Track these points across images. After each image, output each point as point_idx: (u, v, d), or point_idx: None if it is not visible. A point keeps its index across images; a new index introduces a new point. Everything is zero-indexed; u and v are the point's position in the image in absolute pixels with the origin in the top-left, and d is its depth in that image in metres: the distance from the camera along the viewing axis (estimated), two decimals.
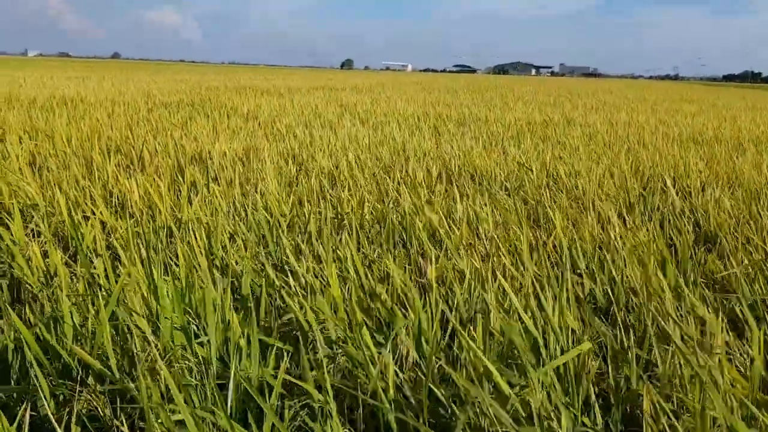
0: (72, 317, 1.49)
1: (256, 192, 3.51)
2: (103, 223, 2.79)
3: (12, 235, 2.22)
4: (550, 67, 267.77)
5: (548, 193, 3.68)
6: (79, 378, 1.49)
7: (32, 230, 2.60)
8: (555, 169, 4.51)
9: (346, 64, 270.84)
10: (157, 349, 1.52)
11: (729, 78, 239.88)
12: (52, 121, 6.52)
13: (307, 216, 2.95)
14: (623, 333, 1.76)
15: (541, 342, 1.61)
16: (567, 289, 1.79)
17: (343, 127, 7.12)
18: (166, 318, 1.53)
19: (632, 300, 2.15)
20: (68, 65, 44.77)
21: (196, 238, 2.32)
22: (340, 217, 3.14)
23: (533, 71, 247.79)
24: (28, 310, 1.43)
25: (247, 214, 3.03)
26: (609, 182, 4.09)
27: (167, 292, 1.62)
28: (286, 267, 2.36)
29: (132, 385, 1.39)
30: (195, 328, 1.67)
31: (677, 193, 3.85)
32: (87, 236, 2.35)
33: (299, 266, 2.12)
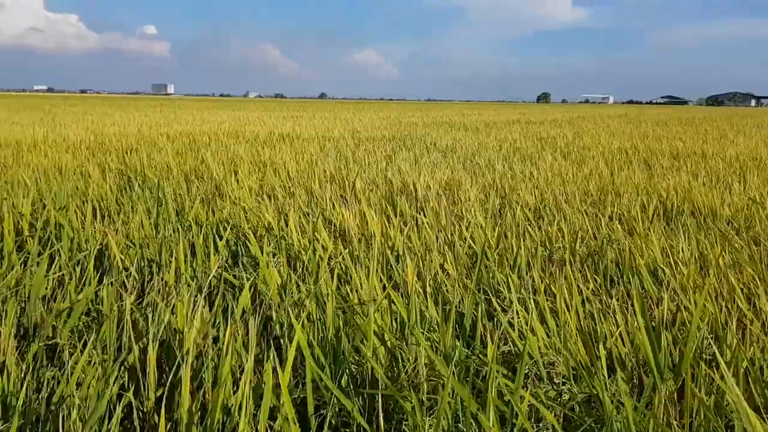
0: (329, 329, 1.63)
1: (462, 223, 3.55)
2: (323, 247, 3.01)
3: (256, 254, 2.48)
4: None
5: None
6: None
7: (269, 252, 2.88)
8: None
9: (543, 98, 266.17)
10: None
11: None
12: (274, 155, 7.20)
13: (514, 249, 2.92)
14: None
15: None
16: None
17: (544, 161, 7.00)
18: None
19: None
20: (283, 105, 49.23)
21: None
22: (549, 251, 3.07)
23: (753, 102, 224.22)
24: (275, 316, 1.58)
25: (454, 245, 3.08)
26: None
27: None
28: (498, 297, 2.36)
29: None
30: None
31: None
32: (313, 258, 2.54)
33: (512, 297, 2.10)
